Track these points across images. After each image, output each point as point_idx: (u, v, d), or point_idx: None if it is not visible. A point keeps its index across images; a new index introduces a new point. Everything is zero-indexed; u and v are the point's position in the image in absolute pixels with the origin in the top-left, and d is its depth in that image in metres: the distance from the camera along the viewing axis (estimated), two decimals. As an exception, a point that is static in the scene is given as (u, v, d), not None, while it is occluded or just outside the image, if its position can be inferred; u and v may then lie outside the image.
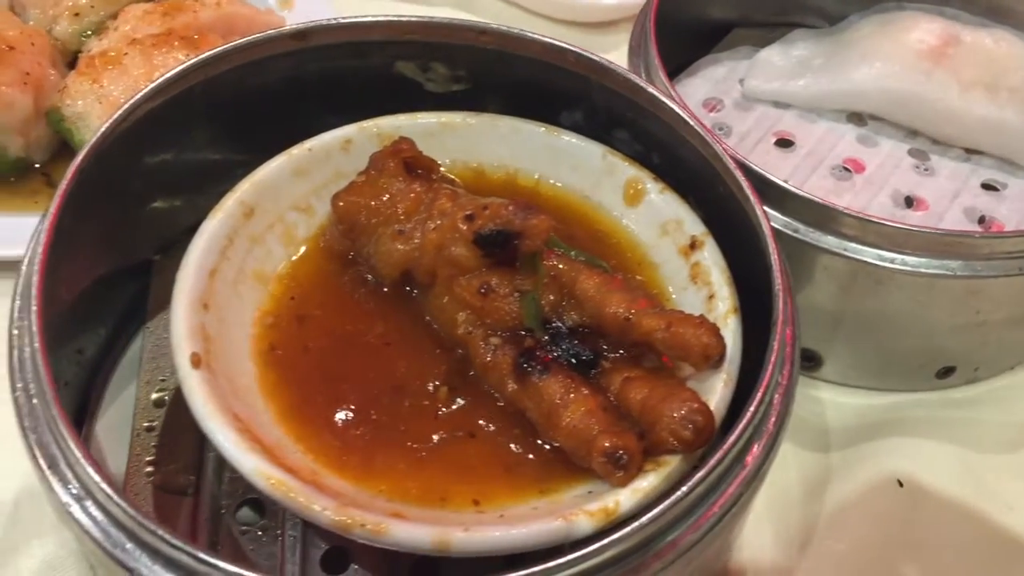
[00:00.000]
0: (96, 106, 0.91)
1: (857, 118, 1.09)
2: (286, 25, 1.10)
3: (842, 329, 0.89)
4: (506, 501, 0.67)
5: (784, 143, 1.05)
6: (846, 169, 1.03)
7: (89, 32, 1.02)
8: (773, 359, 0.64)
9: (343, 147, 0.84)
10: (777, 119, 1.08)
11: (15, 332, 0.63)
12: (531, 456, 0.70)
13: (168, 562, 0.53)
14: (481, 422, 0.71)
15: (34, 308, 0.61)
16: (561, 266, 0.73)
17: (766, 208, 0.74)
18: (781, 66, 1.12)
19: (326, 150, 0.83)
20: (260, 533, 0.72)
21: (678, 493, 0.58)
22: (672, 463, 0.64)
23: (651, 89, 0.82)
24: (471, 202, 0.75)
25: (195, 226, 0.91)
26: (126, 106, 0.73)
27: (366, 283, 0.79)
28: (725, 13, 1.20)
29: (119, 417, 0.79)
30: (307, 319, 0.77)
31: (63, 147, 0.99)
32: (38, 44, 0.96)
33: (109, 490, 0.53)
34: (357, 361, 0.75)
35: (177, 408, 0.79)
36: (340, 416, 0.71)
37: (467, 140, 0.87)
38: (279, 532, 0.72)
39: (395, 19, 0.85)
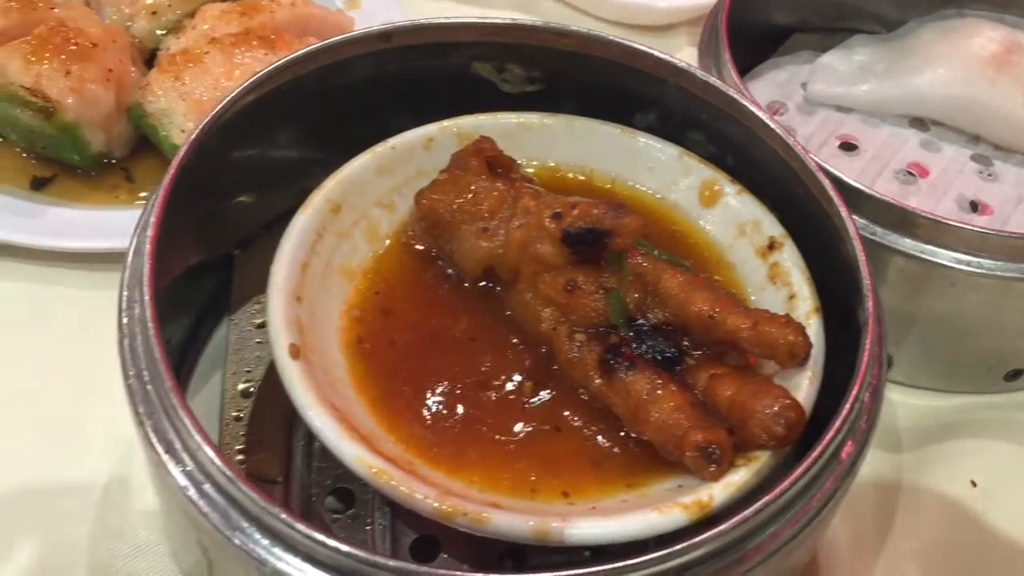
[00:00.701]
0: (179, 103, 0.92)
1: (919, 123, 1.10)
2: (355, 25, 1.13)
3: (913, 331, 0.90)
4: (595, 494, 0.68)
5: (848, 147, 1.07)
6: (910, 173, 1.04)
7: (166, 30, 1.04)
8: (865, 358, 0.65)
9: (425, 145, 0.85)
10: (840, 123, 1.09)
11: (124, 321, 0.64)
12: (616, 450, 0.71)
13: (288, 545, 0.54)
14: (566, 416, 0.73)
15: (147, 298, 0.63)
16: (645, 264, 0.74)
17: (845, 211, 0.75)
18: (843, 71, 1.13)
19: (409, 148, 0.85)
20: (350, 521, 0.73)
21: (780, 487, 0.59)
22: (762, 458, 0.65)
23: (731, 92, 0.83)
24: (556, 201, 0.77)
25: (272, 222, 0.93)
26: (224, 102, 0.75)
27: (448, 279, 0.81)
28: (785, 18, 1.21)
29: (205, 407, 0.81)
30: (392, 313, 0.79)
31: (141, 143, 1.01)
32: (119, 42, 0.98)
33: (231, 472, 0.55)
34: (443, 355, 0.76)
35: (265, 398, 0.81)
36: (429, 409, 0.72)
37: (544, 140, 0.89)
38: (369, 520, 0.73)
39: (477, 21, 0.87)
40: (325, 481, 0.75)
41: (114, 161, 1.00)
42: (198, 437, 0.56)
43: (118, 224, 0.93)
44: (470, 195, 0.80)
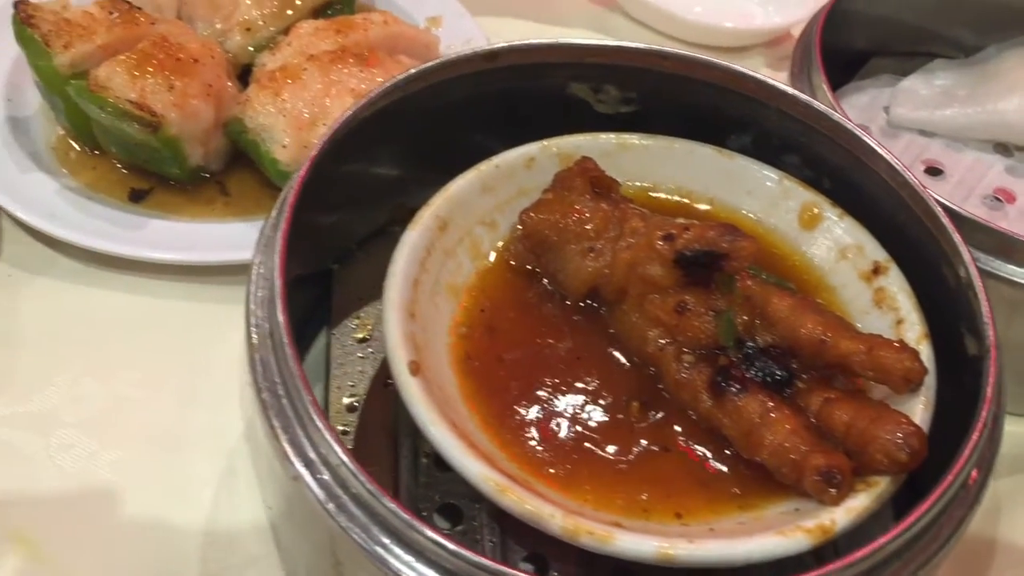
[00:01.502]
0: (279, 119, 0.94)
1: (1003, 148, 1.10)
2: (440, 43, 1.14)
3: (1009, 357, 0.90)
4: (708, 515, 0.69)
5: (933, 171, 1.07)
6: (997, 199, 1.04)
7: (259, 46, 1.05)
8: (991, 384, 0.65)
9: (526, 165, 0.86)
10: (924, 147, 1.09)
11: (254, 336, 0.65)
12: (727, 471, 0.71)
13: (430, 561, 0.55)
14: (675, 436, 0.73)
15: (280, 314, 0.64)
16: (753, 286, 0.75)
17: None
18: (925, 95, 1.13)
19: (511, 167, 0.86)
20: (460, 538, 0.74)
21: (913, 516, 0.59)
22: (881, 484, 0.65)
23: (836, 116, 0.83)
24: (665, 222, 0.77)
25: (367, 238, 0.95)
26: (343, 119, 0.76)
27: (552, 297, 0.81)
28: (865, 42, 1.21)
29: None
30: (498, 331, 0.79)
31: (235, 157, 1.02)
32: (217, 57, 1.00)
33: (375, 487, 0.56)
34: (550, 374, 0.77)
35: (369, 413, 0.82)
36: (540, 427, 0.73)
37: (642, 161, 0.89)
38: (478, 537, 0.74)
39: (582, 43, 0.88)
40: (433, 497, 0.76)
41: (209, 175, 1.01)
42: (339, 451, 0.57)
43: (216, 237, 0.95)
44: (575, 215, 0.80)
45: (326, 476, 0.58)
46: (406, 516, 0.55)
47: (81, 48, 0.94)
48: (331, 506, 0.57)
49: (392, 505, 0.55)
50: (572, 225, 0.80)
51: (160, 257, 0.92)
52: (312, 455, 0.59)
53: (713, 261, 0.72)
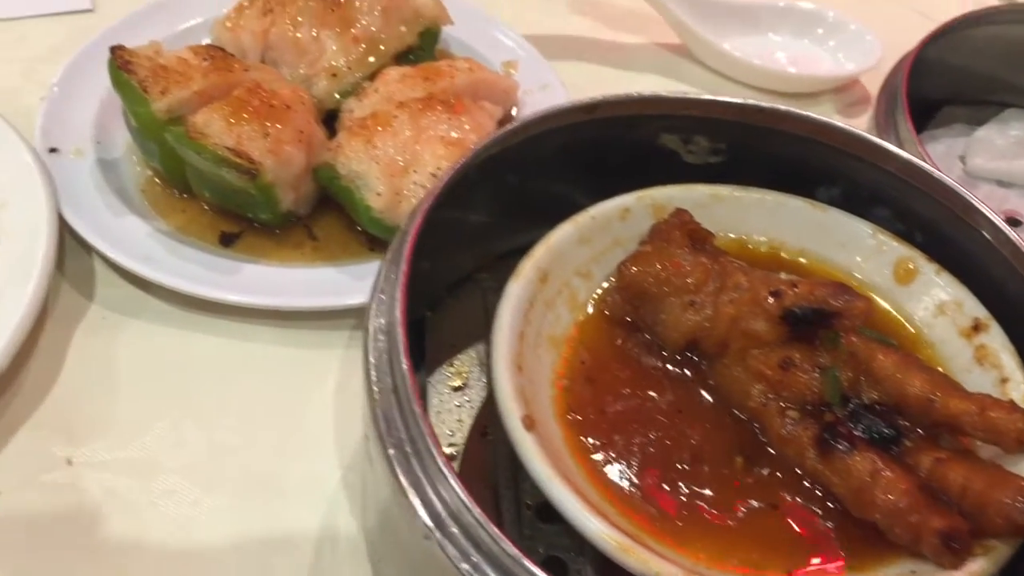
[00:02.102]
0: (372, 167, 0.94)
1: (1082, 199, 1.10)
2: (518, 88, 1.15)
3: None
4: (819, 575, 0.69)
5: (1013, 222, 1.07)
6: (1080, 250, 1.04)
7: (345, 92, 1.06)
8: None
9: (621, 216, 0.87)
10: (1004, 198, 1.10)
11: (376, 391, 0.66)
12: (836, 529, 0.71)
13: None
14: (781, 493, 0.73)
15: (405, 370, 0.64)
16: (857, 343, 0.75)
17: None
18: (1001, 145, 1.14)
19: (607, 218, 0.86)
20: (568, 593, 0.74)
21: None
22: (999, 547, 0.65)
23: (930, 169, 0.84)
24: (769, 278, 0.78)
25: (454, 284, 0.96)
26: (453, 170, 0.77)
27: (650, 349, 0.82)
28: (938, 91, 1.22)
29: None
30: (598, 382, 0.79)
31: (322, 202, 1.03)
32: (306, 103, 1.01)
33: (515, 552, 0.56)
34: (653, 427, 0.77)
35: (468, 463, 0.82)
36: (647, 482, 0.73)
37: (734, 212, 0.90)
38: (586, 592, 0.74)
39: (679, 96, 0.88)
40: (537, 549, 0.76)
41: (297, 218, 1.02)
42: (476, 512, 0.57)
43: (307, 282, 0.95)
44: (675, 268, 0.81)
45: (455, 531, 0.59)
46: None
47: (178, 94, 0.95)
48: (465, 566, 0.58)
49: (535, 569, 0.55)
50: (672, 277, 0.81)
51: (253, 302, 0.92)
52: (441, 511, 0.59)
53: (823, 319, 0.73)
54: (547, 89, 1.18)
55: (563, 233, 0.84)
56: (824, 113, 1.29)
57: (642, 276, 0.81)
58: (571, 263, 0.84)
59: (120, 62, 0.96)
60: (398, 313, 0.67)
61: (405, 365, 0.64)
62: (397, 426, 0.63)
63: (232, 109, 0.94)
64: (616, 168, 0.90)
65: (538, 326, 0.80)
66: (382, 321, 0.69)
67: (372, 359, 0.68)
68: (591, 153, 0.92)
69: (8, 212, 0.95)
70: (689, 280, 0.80)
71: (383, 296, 0.71)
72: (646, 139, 0.93)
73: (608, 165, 0.91)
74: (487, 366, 0.90)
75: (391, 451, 0.63)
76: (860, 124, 1.29)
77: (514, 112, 1.16)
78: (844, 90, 1.32)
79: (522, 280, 0.80)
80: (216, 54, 1.00)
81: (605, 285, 0.85)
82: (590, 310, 0.84)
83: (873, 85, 1.33)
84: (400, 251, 0.72)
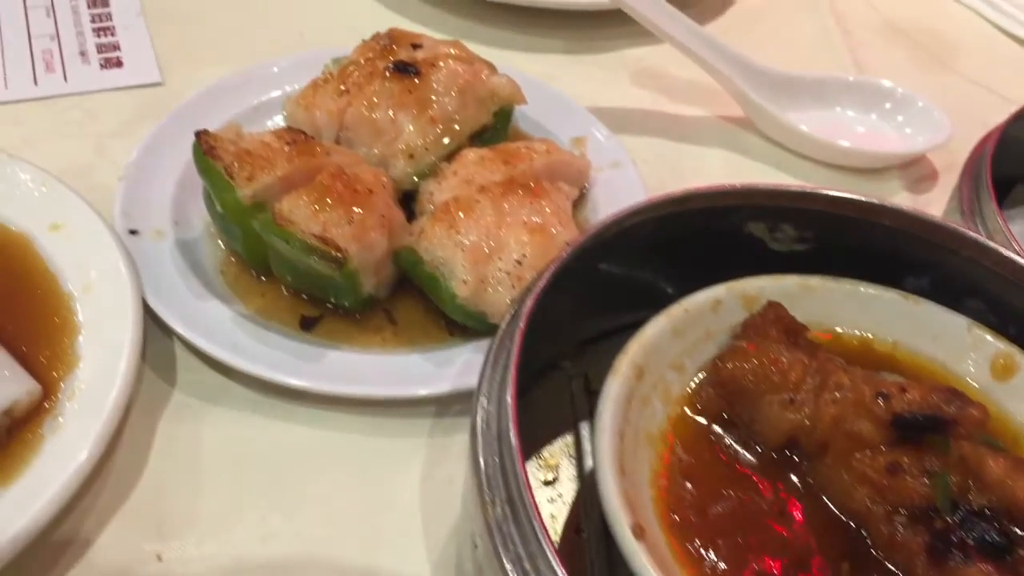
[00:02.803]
0: (457, 253, 0.94)
1: None
2: (591, 168, 1.15)
3: None
4: None
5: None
6: None
7: (422, 173, 1.06)
8: None
9: (713, 307, 0.86)
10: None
11: (489, 501, 0.65)
12: (950, 641, 0.69)
13: None
14: (890, 601, 0.72)
15: (521, 479, 0.63)
16: (966, 446, 0.74)
17: None
18: (1080, 225, 1.13)
19: (699, 310, 0.86)
20: None
21: None
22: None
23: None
24: (873, 379, 0.77)
25: (541, 372, 0.95)
26: (559, 262, 0.78)
27: (747, 446, 0.81)
28: (1011, 168, 1.21)
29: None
30: (695, 481, 0.78)
31: (400, 285, 1.03)
32: (387, 186, 1.01)
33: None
34: (754, 530, 0.75)
35: (568, 560, 0.81)
36: (753, 589, 0.72)
37: (825, 303, 0.89)
38: None
39: (772, 187, 0.88)
40: (638, 654, 0.75)
41: (376, 302, 1.02)
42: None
43: (390, 369, 0.95)
44: (773, 364, 0.80)
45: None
46: None
47: (263, 180, 0.95)
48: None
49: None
50: (770, 374, 0.80)
51: (338, 391, 0.91)
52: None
53: (936, 427, 0.71)
54: (618, 167, 1.18)
55: (657, 327, 0.83)
56: (891, 190, 1.30)
57: (739, 373, 0.81)
58: (665, 357, 0.83)
59: (205, 147, 0.96)
60: (510, 423, 0.67)
61: (522, 478, 0.64)
62: (514, 539, 0.62)
63: (317, 195, 0.94)
64: (701, 256, 0.90)
65: (636, 423, 0.79)
66: (493, 431, 0.68)
67: (482, 462, 0.67)
68: (676, 241, 0.92)
69: (93, 297, 0.94)
70: (788, 377, 0.79)
71: (489, 405, 0.71)
72: (731, 227, 0.92)
73: (692, 252, 0.91)
74: (576, 458, 0.90)
75: (508, 565, 0.62)
76: (930, 200, 1.28)
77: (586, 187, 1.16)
78: (910, 166, 1.31)
79: (620, 377, 0.79)
80: (298, 138, 1.01)
81: (698, 378, 0.84)
82: (683, 405, 0.83)
83: (939, 161, 1.33)
84: (510, 357, 0.72)
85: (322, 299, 1.00)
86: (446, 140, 1.08)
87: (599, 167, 1.17)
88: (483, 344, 0.97)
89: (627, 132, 1.30)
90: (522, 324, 0.73)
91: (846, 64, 1.50)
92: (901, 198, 1.27)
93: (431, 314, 1.01)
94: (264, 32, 1.46)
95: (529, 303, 0.75)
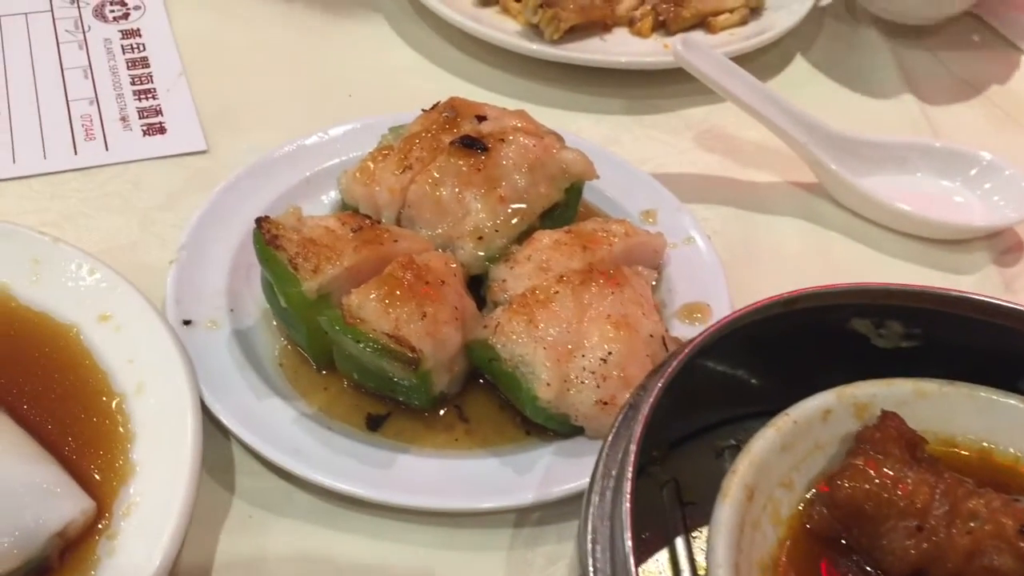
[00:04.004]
0: (538, 351, 0.87)
1: None
2: (665, 246, 1.08)
3: None
4: None
5: None
6: None
7: (492, 257, 1.00)
8: None
9: (823, 417, 0.80)
10: None
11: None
12: None
13: None
14: None
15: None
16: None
17: None
18: None
19: (808, 421, 0.79)
20: None
21: None
22: None
23: None
24: (1010, 507, 0.71)
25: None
26: (667, 375, 0.72)
27: (867, 574, 0.74)
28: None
29: None
30: (816, 616, 0.72)
31: (471, 378, 0.96)
32: (458, 274, 0.95)
33: None
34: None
35: None
36: None
37: (940, 410, 0.82)
38: None
39: (881, 286, 0.82)
40: None
41: (446, 398, 0.95)
42: None
43: (464, 476, 0.88)
44: (897, 487, 0.73)
45: None
46: None
47: (329, 272, 0.89)
48: None
49: None
50: (894, 498, 0.73)
51: (411, 504, 0.84)
52: None
53: (1094, 566, 0.65)
54: (691, 243, 1.12)
55: (765, 442, 0.77)
56: (976, 263, 1.22)
57: (858, 495, 0.74)
58: (774, 474, 0.77)
59: (268, 237, 0.90)
60: (626, 501, 0.61)
61: None
62: None
63: (388, 289, 0.88)
64: (798, 352, 0.84)
65: (748, 552, 0.72)
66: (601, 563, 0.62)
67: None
68: (776, 339, 0.85)
69: (147, 397, 0.88)
70: (913, 501, 0.73)
71: (594, 538, 0.65)
72: (836, 325, 0.86)
73: (790, 349, 0.84)
74: (674, 577, 0.83)
75: None
76: (1018, 273, 1.21)
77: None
78: (996, 236, 1.24)
79: (731, 501, 0.73)
80: (363, 223, 0.94)
81: (808, 495, 0.78)
82: (793, 526, 0.77)
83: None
84: (623, 474, 0.66)
85: (390, 396, 0.93)
86: (515, 221, 1.01)
87: (672, 243, 1.11)
88: (565, 447, 0.91)
89: (695, 200, 1.24)
90: (632, 459, 0.66)
91: (919, 124, 1.43)
92: (989, 272, 1.20)
93: (505, 410, 0.95)
94: (310, 92, 1.40)
95: (638, 431, 0.68)
